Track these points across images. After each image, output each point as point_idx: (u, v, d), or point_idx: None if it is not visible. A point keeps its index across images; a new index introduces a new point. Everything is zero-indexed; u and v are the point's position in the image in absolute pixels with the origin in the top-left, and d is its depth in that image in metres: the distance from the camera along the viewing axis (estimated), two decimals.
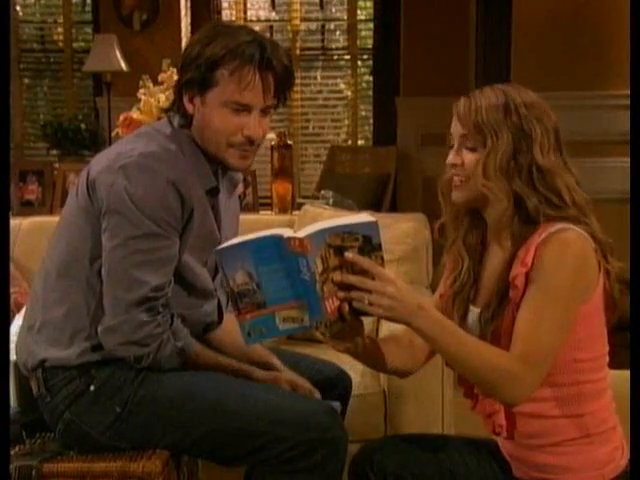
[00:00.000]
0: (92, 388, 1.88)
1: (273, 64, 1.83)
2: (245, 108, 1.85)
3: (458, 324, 1.73)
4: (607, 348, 1.72)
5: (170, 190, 1.81)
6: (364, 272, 1.53)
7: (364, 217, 1.56)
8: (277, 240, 1.52)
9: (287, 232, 1.52)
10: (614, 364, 1.75)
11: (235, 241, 1.57)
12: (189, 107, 1.89)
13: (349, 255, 1.52)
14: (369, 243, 1.54)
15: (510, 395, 1.61)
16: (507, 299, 1.65)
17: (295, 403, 1.86)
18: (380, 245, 1.55)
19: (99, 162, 1.89)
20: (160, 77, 3.33)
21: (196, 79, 1.84)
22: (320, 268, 1.50)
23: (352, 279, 1.53)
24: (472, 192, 1.69)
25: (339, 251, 1.52)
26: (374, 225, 1.55)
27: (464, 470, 1.77)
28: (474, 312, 1.74)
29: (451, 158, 1.71)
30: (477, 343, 1.64)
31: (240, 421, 1.83)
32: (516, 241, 1.65)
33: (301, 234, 1.50)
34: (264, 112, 1.88)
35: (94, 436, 1.88)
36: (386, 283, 1.54)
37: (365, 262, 1.53)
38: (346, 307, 1.54)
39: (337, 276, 1.53)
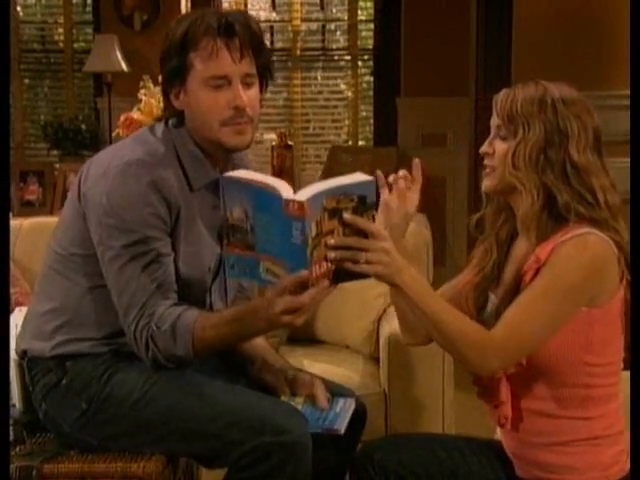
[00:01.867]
0: (64, 381, 1.89)
1: (235, 28, 1.80)
2: (223, 79, 1.82)
3: (476, 312, 1.74)
4: (622, 355, 1.71)
5: (153, 195, 1.79)
6: (358, 232, 1.55)
7: (361, 176, 1.57)
8: (277, 197, 1.52)
9: (287, 191, 1.52)
10: None
11: (244, 175, 1.59)
12: (177, 104, 1.89)
13: (347, 217, 1.54)
14: (363, 203, 1.56)
15: (474, 364, 1.62)
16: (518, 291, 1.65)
17: (252, 405, 1.79)
18: (374, 203, 1.57)
19: (92, 165, 1.89)
20: (160, 77, 3.33)
21: (173, 69, 1.85)
22: (314, 232, 1.51)
23: (348, 241, 1.54)
24: (500, 181, 1.69)
25: (333, 214, 1.53)
26: (372, 184, 1.57)
27: (465, 469, 1.77)
28: (493, 302, 1.75)
29: (484, 147, 1.72)
30: (456, 311, 1.65)
31: (196, 423, 1.79)
32: (541, 237, 1.65)
33: (301, 197, 1.50)
34: (247, 84, 1.84)
35: (65, 429, 1.90)
36: (381, 239, 1.56)
37: (361, 222, 1.55)
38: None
39: (331, 240, 1.54)
